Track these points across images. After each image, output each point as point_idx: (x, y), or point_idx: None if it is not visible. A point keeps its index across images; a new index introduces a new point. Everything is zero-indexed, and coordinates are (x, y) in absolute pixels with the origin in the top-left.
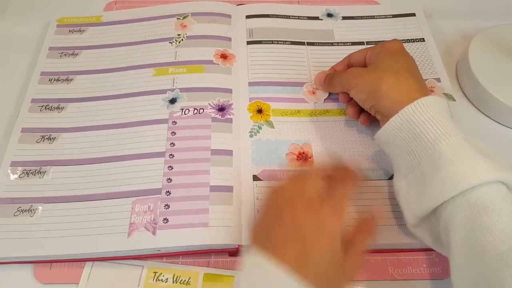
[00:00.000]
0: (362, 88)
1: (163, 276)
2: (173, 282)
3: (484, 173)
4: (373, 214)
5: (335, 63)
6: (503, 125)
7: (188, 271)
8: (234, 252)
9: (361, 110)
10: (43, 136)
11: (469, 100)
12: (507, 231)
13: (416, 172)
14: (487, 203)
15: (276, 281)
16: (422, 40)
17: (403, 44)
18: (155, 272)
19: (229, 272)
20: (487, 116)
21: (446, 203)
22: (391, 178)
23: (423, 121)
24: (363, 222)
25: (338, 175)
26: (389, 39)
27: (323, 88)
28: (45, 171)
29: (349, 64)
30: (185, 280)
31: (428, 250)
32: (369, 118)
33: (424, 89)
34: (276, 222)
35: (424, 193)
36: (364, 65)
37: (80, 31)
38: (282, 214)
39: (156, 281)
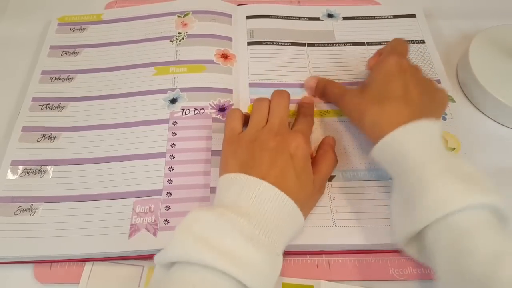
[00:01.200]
0: (349, 115)
1: None
2: None
3: (465, 198)
4: (330, 138)
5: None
6: (503, 125)
7: None
8: None
9: None
10: (43, 135)
11: (469, 100)
12: (489, 254)
13: (405, 194)
14: (469, 227)
15: (263, 192)
16: (422, 41)
17: None
18: None
19: None
20: (487, 116)
21: (430, 226)
22: (391, 178)
23: (406, 148)
24: (323, 146)
25: (301, 111)
26: (391, 40)
27: (313, 94)
28: (45, 170)
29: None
30: None
31: None
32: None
33: (416, 114)
34: (254, 148)
35: (409, 216)
36: None
37: (81, 29)
38: (260, 141)
39: None
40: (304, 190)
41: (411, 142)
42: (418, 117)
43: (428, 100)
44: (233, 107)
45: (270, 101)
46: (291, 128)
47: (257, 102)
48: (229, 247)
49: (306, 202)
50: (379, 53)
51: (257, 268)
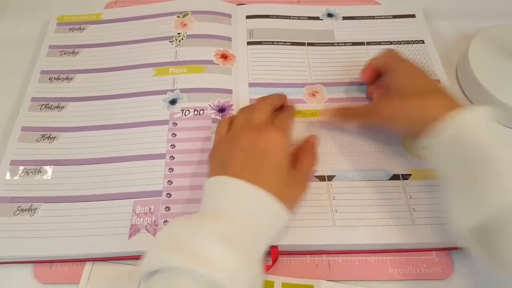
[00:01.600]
0: (403, 118)
1: None
2: None
3: None
4: (313, 136)
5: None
6: (503, 125)
7: None
8: None
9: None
10: (43, 135)
11: (469, 100)
12: None
13: (467, 181)
14: None
15: (237, 188)
16: (422, 42)
17: (404, 45)
18: None
19: None
20: None
21: (497, 213)
22: (391, 178)
23: (469, 133)
24: (306, 143)
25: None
26: (387, 41)
27: (337, 124)
28: (45, 170)
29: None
30: None
31: (428, 250)
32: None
33: (456, 102)
34: (229, 148)
35: (475, 202)
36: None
37: (80, 29)
38: (235, 139)
39: None
40: (284, 184)
41: (474, 126)
42: (458, 105)
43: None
44: (233, 107)
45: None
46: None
47: (243, 107)
48: (201, 248)
49: (288, 197)
50: (371, 66)
51: (233, 267)
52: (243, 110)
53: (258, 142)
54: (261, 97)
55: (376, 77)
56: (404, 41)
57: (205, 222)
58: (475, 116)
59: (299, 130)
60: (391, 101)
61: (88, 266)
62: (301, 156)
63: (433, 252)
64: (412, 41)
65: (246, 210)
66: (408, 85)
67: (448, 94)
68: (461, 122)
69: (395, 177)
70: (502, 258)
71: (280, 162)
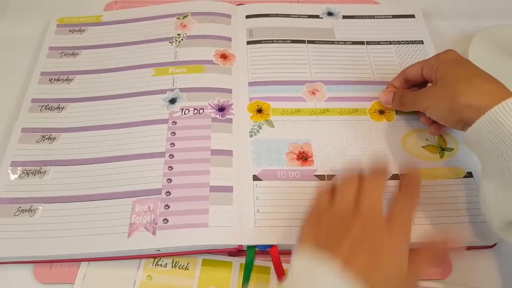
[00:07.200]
0: (439, 107)
1: (162, 261)
2: (172, 267)
3: None
4: (445, 239)
5: (392, 79)
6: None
7: (187, 256)
8: (233, 252)
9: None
10: (43, 136)
11: None
12: None
13: (505, 175)
14: None
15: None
16: (421, 42)
17: (403, 45)
18: (154, 258)
19: (228, 258)
20: None
21: None
22: (391, 178)
23: None
24: (428, 247)
25: (403, 190)
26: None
27: (392, 106)
28: (45, 171)
29: (405, 79)
30: (184, 265)
31: None
32: (439, 128)
33: (504, 90)
34: (342, 229)
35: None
36: (422, 79)
37: (80, 31)
38: (349, 222)
39: (155, 266)
40: None
41: None
42: (508, 92)
43: None
44: (232, 106)
45: (360, 178)
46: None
47: (345, 180)
48: None
49: None
50: (392, 86)
51: None
52: (345, 189)
53: (381, 238)
54: (373, 177)
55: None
56: (403, 41)
57: None
58: None
59: (299, 129)
60: (437, 86)
61: (83, 265)
62: (416, 260)
63: None
64: (412, 41)
65: None
66: (455, 70)
67: (495, 80)
68: (509, 111)
69: (395, 177)
70: None
71: (401, 269)
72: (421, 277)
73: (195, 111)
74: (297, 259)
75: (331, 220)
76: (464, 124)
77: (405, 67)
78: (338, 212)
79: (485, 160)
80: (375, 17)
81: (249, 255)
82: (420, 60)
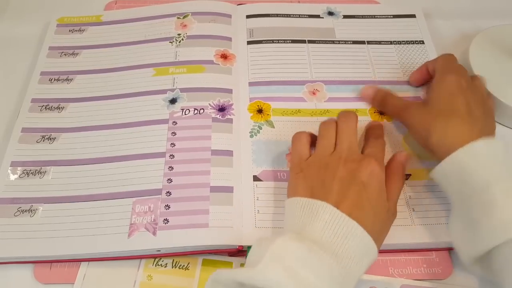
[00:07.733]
0: (415, 132)
1: (163, 261)
2: (172, 267)
3: None
4: (401, 156)
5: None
6: (504, 125)
7: (188, 256)
8: (234, 253)
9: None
10: (43, 136)
11: None
12: None
13: (469, 214)
14: None
15: (342, 225)
16: (422, 42)
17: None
18: (154, 259)
19: (228, 259)
20: None
21: (499, 247)
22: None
23: (474, 165)
24: (394, 164)
25: (370, 132)
26: (439, 56)
27: (371, 104)
28: (45, 171)
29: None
30: (184, 266)
31: (428, 250)
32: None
33: (479, 132)
34: (325, 175)
35: (477, 236)
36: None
37: (80, 30)
38: (331, 168)
39: (155, 266)
40: (379, 221)
41: (479, 161)
42: (480, 135)
43: (489, 118)
44: (233, 106)
45: (336, 123)
46: (362, 152)
47: (323, 126)
48: (315, 285)
49: (381, 233)
50: (425, 67)
51: None
52: (325, 134)
53: (357, 174)
54: (344, 118)
55: (426, 79)
56: (404, 41)
57: (319, 255)
58: (486, 151)
59: (300, 129)
60: (419, 109)
61: (83, 265)
62: (390, 182)
63: (433, 252)
64: (412, 41)
65: (350, 251)
66: (442, 101)
67: (478, 120)
68: (471, 155)
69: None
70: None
71: (379, 199)
72: (397, 199)
73: (196, 111)
74: (292, 203)
75: (318, 168)
76: (437, 158)
77: (405, 67)
78: (322, 158)
79: (452, 198)
80: (375, 17)
81: None
82: (419, 62)
